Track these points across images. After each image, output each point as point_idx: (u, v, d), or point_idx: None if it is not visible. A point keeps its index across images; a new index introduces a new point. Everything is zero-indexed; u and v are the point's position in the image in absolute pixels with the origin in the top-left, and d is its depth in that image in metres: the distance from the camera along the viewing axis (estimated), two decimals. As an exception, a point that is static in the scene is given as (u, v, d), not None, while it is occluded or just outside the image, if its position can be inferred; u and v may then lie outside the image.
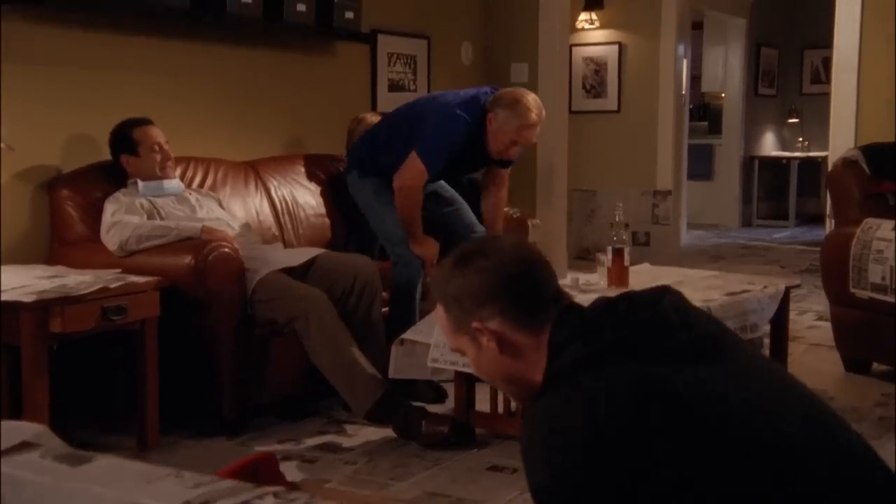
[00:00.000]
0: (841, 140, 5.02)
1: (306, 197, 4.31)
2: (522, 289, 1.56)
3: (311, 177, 4.38)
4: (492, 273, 1.56)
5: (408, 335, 3.21)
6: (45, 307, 2.80)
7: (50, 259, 3.50)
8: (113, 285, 2.97)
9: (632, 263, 7.66)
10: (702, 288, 3.42)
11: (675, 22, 7.35)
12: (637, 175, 7.45)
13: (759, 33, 9.81)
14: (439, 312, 1.63)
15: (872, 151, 4.12)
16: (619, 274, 3.47)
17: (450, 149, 3.68)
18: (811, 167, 10.05)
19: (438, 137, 3.67)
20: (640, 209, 7.46)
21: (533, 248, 1.67)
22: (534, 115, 3.64)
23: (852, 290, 3.88)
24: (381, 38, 4.99)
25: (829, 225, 4.44)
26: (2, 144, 3.20)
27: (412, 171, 3.68)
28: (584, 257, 7.47)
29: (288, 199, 4.23)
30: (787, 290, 3.58)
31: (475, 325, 1.55)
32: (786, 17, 10.15)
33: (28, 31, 3.50)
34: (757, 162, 9.93)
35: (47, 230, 3.57)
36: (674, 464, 1.30)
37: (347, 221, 4.27)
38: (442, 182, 4.06)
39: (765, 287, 3.47)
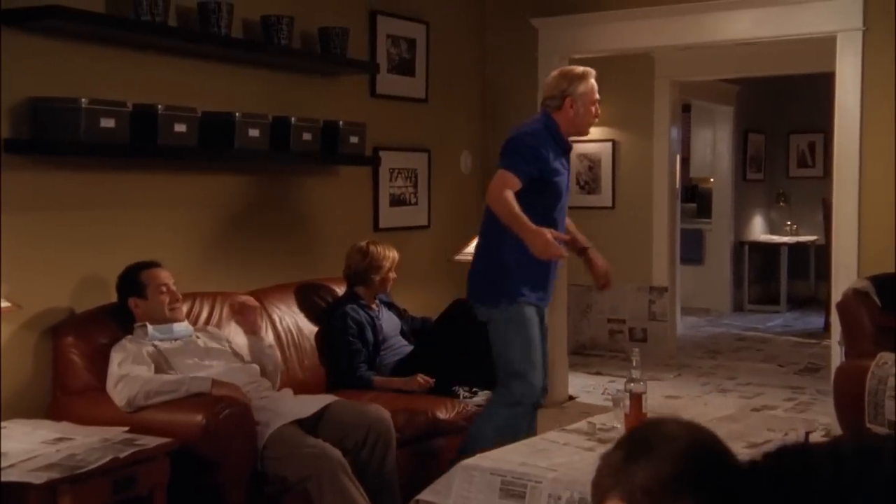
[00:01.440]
0: (843, 228, 5.01)
1: (311, 326, 4.24)
2: (711, 476, 1.51)
3: (315, 304, 4.32)
4: (682, 460, 1.50)
5: (424, 496, 3.12)
6: (53, 487, 2.70)
7: (53, 409, 3.40)
8: (123, 454, 2.87)
9: (628, 359, 7.63)
10: (723, 436, 3.33)
11: (667, 120, 7.40)
12: (633, 270, 7.43)
13: (746, 119, 9.91)
14: None
15: (883, 282, 4.11)
16: (636, 420, 3.39)
17: (535, 152, 3.67)
18: (801, 251, 10.11)
19: (518, 146, 3.69)
20: (636, 305, 7.44)
21: (699, 429, 1.59)
22: (589, 70, 3.85)
23: (868, 424, 3.84)
24: (383, 155, 4.97)
25: (840, 354, 4.41)
26: (6, 303, 3.12)
27: (497, 181, 3.64)
28: (580, 352, 7.42)
29: (293, 329, 4.17)
30: (807, 435, 3.52)
31: None
32: (771, 104, 10.27)
33: (32, 178, 3.45)
34: (747, 247, 9.97)
35: (50, 378, 3.48)
36: None
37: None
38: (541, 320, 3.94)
39: (785, 434, 3.41)
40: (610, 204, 7.47)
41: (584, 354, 7.42)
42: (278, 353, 3.86)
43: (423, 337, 4.36)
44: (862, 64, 4.95)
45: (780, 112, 10.34)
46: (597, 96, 3.88)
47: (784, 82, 9.75)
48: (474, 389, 4.12)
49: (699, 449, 1.54)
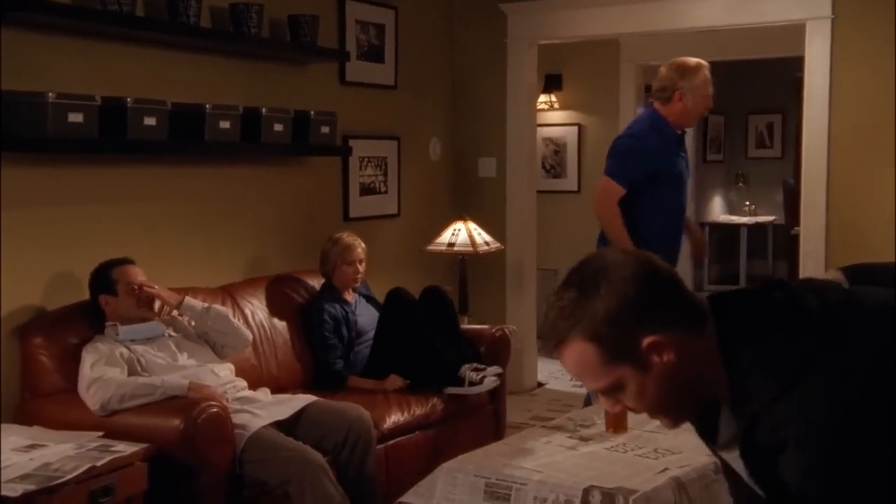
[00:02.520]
0: (811, 216, 5.04)
1: (284, 320, 4.17)
2: (673, 289, 1.44)
3: (288, 298, 4.25)
4: (640, 281, 1.41)
5: (407, 498, 3.08)
6: (29, 499, 2.61)
7: (21, 412, 3.31)
8: (99, 463, 2.79)
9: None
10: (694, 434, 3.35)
11: (633, 104, 7.39)
12: (598, 254, 7.42)
13: (707, 100, 9.94)
14: (578, 353, 1.43)
15: (856, 274, 4.11)
16: (617, 417, 3.37)
17: (636, 153, 3.94)
18: (759, 231, 10.22)
19: (620, 151, 4.00)
20: (601, 289, 7.43)
21: (640, 252, 1.50)
22: (702, 62, 3.99)
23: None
24: (352, 143, 4.88)
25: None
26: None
27: (598, 192, 4.01)
28: (545, 337, 7.41)
29: (265, 324, 4.09)
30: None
31: (648, 340, 1.40)
32: (730, 85, 10.30)
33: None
34: (707, 228, 10.04)
35: (18, 380, 3.38)
36: None
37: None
38: None
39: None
40: (576, 188, 7.45)
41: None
42: (222, 309, 3.69)
43: (376, 334, 4.25)
44: (831, 51, 4.97)
45: (739, 93, 10.39)
46: (710, 89, 3.95)
47: (743, 64, 9.80)
48: (481, 366, 4.06)
49: (650, 269, 1.45)
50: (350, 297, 4.22)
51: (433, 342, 4.07)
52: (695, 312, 1.45)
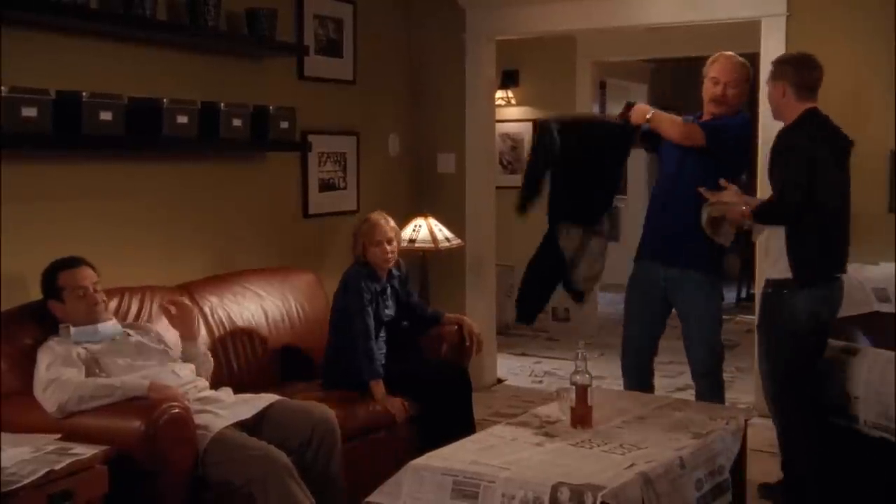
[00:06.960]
0: None
1: (246, 317, 4.12)
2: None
3: (247, 295, 4.19)
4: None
5: (374, 497, 3.05)
6: (-14, 504, 2.54)
7: (-26, 416, 3.21)
8: (58, 466, 2.72)
9: (552, 339, 7.58)
10: (667, 427, 3.37)
11: (588, 99, 7.42)
12: (555, 250, 7.43)
13: (659, 96, 10.02)
14: None
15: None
16: (582, 413, 3.38)
17: None
18: (711, 225, 10.32)
19: None
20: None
21: None
22: (723, 53, 4.24)
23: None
24: (312, 139, 4.82)
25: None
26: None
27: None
28: (503, 333, 7.41)
29: (225, 322, 4.03)
30: (746, 423, 3.58)
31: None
32: (683, 80, 10.39)
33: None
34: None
35: (-30, 382, 3.28)
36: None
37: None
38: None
39: (727, 423, 3.45)
40: (532, 183, 7.45)
41: (508, 335, 7.42)
42: (212, 360, 3.68)
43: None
44: (786, 49, 5.02)
45: (691, 88, 10.46)
46: (712, 74, 4.18)
47: (697, 60, 9.87)
48: None
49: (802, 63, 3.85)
50: (383, 275, 4.11)
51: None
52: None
